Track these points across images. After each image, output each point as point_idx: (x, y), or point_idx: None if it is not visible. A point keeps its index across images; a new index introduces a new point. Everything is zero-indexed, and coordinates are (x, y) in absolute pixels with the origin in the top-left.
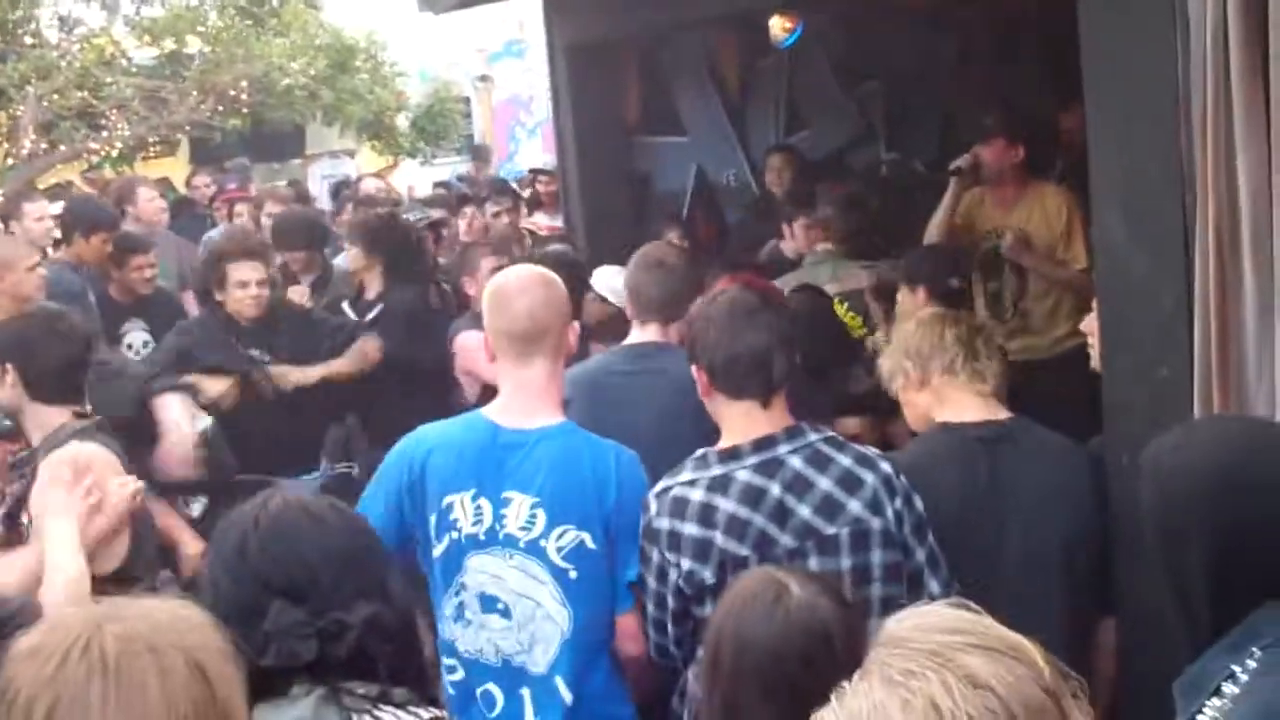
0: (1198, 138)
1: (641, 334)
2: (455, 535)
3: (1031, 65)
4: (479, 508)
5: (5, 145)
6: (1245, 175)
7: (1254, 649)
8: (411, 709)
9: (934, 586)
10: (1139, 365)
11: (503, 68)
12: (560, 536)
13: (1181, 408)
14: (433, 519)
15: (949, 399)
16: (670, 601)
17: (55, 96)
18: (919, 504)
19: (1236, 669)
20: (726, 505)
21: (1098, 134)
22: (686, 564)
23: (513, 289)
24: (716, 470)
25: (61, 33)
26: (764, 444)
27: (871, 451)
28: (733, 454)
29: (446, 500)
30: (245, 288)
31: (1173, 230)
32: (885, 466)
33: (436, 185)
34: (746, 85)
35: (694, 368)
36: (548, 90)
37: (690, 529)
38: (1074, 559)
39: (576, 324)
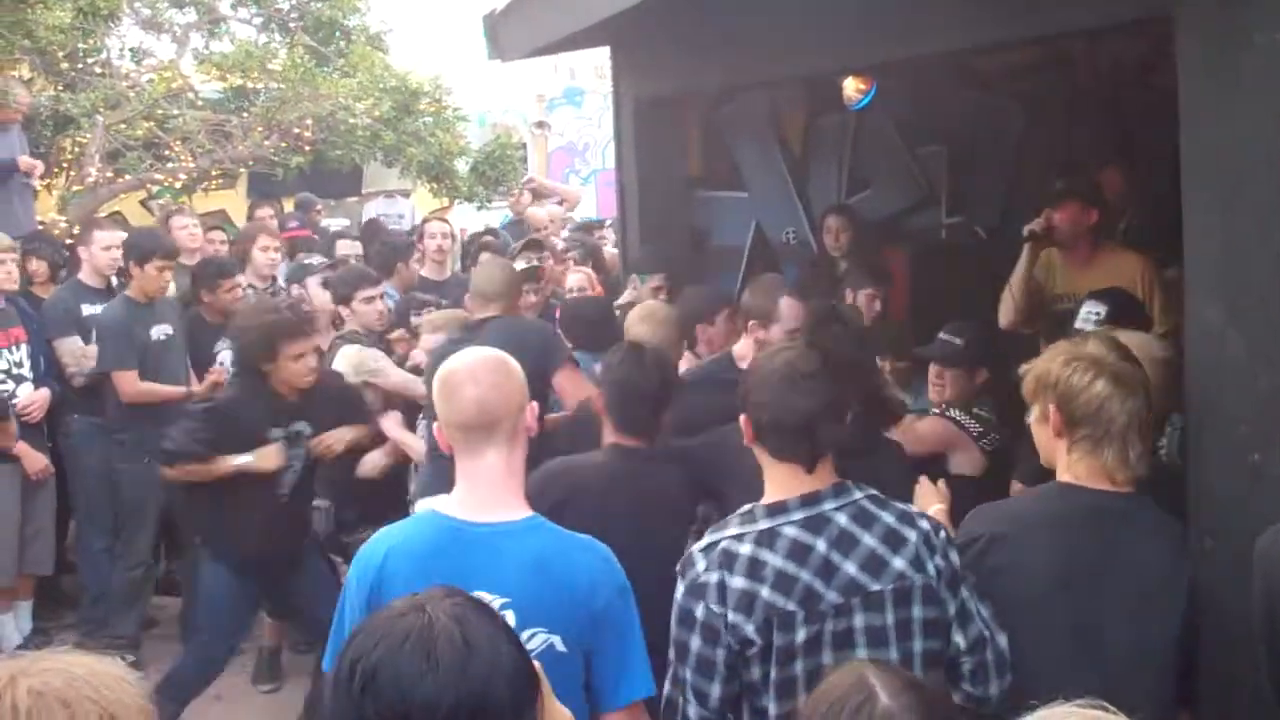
0: None
1: None
2: None
3: (1097, 135)
4: None
5: (71, 172)
6: None
7: None
8: None
9: (959, 640)
10: (1231, 450)
11: (560, 115)
12: (530, 639)
13: (1274, 495)
14: None
15: (1077, 464)
16: (719, 662)
17: (123, 126)
18: (954, 557)
19: None
20: (774, 560)
21: (1196, 216)
22: (732, 617)
23: (460, 377)
24: (763, 524)
25: (131, 64)
26: (810, 500)
27: (912, 508)
28: (780, 509)
29: None
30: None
31: (1273, 315)
32: (924, 524)
33: (487, 231)
34: (809, 143)
35: (742, 416)
36: (604, 139)
37: (738, 581)
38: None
39: (535, 404)
